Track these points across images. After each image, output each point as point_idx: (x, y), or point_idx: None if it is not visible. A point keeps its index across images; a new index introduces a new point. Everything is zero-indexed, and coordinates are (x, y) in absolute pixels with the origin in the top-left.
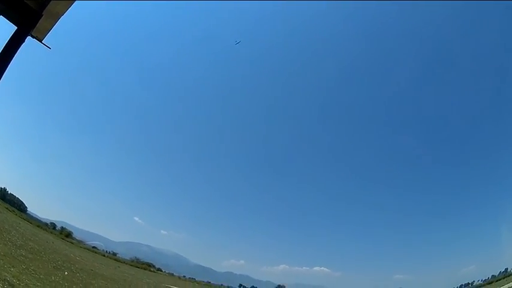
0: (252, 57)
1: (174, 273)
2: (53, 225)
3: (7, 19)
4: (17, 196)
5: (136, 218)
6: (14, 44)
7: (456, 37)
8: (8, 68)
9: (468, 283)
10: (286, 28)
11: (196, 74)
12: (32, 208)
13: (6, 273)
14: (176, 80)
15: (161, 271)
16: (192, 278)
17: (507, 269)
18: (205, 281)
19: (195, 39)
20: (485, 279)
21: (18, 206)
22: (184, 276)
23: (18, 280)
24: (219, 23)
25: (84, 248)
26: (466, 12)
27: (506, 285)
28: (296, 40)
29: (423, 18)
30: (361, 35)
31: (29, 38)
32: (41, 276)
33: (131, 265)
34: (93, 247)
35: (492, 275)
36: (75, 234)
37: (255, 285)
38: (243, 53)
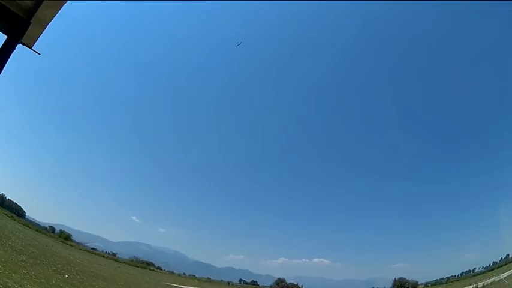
0: (250, 55)
1: (174, 271)
2: (52, 229)
3: None
4: (15, 202)
5: (134, 217)
6: (5, 52)
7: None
8: (0, 76)
9: (469, 270)
10: (285, 25)
11: (192, 71)
12: (30, 213)
13: (8, 280)
14: (172, 77)
15: (161, 269)
16: (192, 275)
17: (508, 255)
18: (206, 277)
19: (190, 38)
20: (486, 266)
21: (16, 212)
22: (184, 274)
23: (20, 286)
24: (217, 22)
25: (84, 250)
26: (465, 10)
27: (508, 272)
28: (297, 37)
29: (424, 16)
30: (360, 32)
31: (19, 45)
32: (42, 281)
33: (131, 265)
34: (93, 248)
35: (493, 262)
36: (74, 237)
37: (254, 280)
38: (240, 51)
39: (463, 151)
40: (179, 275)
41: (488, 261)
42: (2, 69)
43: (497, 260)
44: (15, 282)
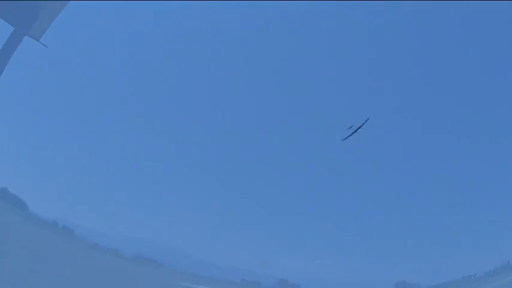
0: (249, 56)
1: (177, 268)
2: (55, 223)
3: (4, 20)
4: (17, 195)
5: (139, 213)
6: (12, 44)
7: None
8: (5, 68)
9: (470, 275)
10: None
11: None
12: (33, 207)
13: (9, 273)
14: (173, 80)
15: (164, 266)
16: (195, 273)
17: (509, 261)
18: (208, 275)
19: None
20: (487, 272)
21: (19, 205)
22: (186, 271)
23: (22, 279)
24: (214, 20)
25: (87, 245)
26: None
27: (508, 278)
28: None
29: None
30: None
31: (26, 37)
32: (44, 274)
33: (134, 261)
34: (96, 244)
35: (494, 268)
36: (77, 232)
37: (258, 280)
38: (239, 52)
39: (463, 157)
40: (181, 272)
41: (488, 267)
42: (8, 61)
43: (498, 266)
44: (16, 276)
